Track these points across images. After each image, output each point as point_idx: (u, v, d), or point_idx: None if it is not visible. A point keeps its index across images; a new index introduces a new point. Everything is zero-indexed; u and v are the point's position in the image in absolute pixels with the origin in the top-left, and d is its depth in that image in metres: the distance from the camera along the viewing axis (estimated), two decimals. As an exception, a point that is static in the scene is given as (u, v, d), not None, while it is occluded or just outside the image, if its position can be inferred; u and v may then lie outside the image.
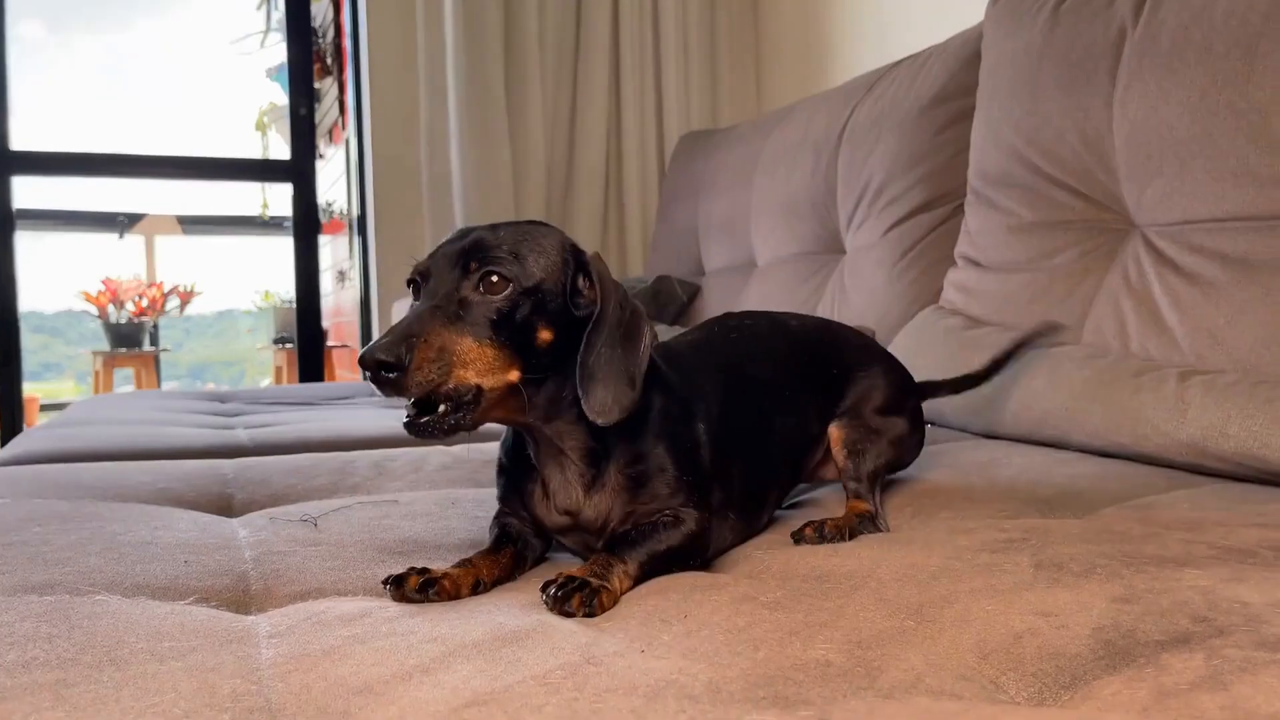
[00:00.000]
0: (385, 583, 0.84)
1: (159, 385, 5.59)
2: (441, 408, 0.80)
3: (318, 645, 0.69)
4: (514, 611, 0.79)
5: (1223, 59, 1.40)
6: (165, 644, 0.68)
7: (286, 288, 5.63)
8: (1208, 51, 1.42)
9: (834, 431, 1.11)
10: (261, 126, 5.50)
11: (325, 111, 5.07)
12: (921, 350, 1.72)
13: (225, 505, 1.23)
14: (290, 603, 0.85)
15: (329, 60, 4.95)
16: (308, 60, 3.85)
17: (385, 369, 0.77)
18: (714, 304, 2.87)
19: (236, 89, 6.78)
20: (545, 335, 0.85)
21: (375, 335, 3.64)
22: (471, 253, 0.84)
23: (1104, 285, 1.56)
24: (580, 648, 0.68)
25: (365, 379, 0.78)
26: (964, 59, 2.05)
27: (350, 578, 0.90)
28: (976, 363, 1.57)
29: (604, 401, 0.85)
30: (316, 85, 4.33)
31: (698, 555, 0.93)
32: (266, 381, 6.16)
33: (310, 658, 0.67)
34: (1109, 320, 1.52)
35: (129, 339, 5.50)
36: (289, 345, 5.43)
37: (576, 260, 0.89)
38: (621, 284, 0.91)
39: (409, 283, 0.88)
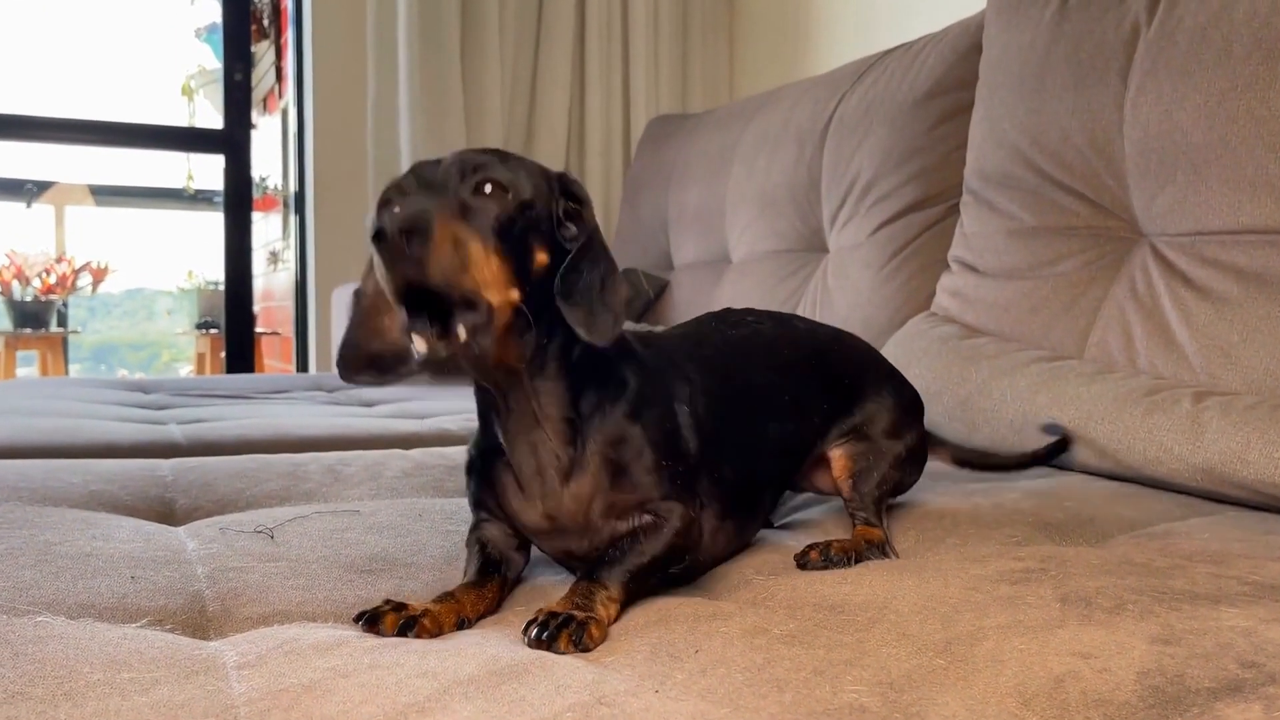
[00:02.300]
0: (358, 620, 0.81)
1: (65, 370, 5.45)
2: (461, 330, 0.77)
3: (295, 679, 0.67)
4: (504, 643, 0.77)
5: (1243, 63, 1.41)
6: (124, 675, 0.65)
7: (212, 268, 5.53)
8: (1227, 54, 1.44)
9: (839, 454, 1.11)
10: (188, 91, 5.38)
11: (260, 77, 4.97)
12: (913, 361, 1.72)
13: (166, 512, 1.19)
14: (253, 626, 0.82)
15: (266, 22, 4.86)
16: (244, 21, 3.78)
17: (412, 235, 0.72)
18: (684, 300, 2.86)
19: (160, 48, 6.63)
20: (541, 258, 0.84)
21: (312, 323, 3.61)
22: (462, 162, 0.82)
23: (1109, 296, 1.57)
24: (588, 685, 0.66)
25: (378, 249, 0.73)
26: (962, 50, 2.06)
27: (316, 599, 0.88)
28: (974, 379, 1.58)
29: (594, 321, 0.84)
30: (252, 49, 4.25)
31: (688, 553, 0.92)
32: (187, 369, 6.03)
33: (289, 693, 0.64)
34: (1115, 334, 1.53)
35: (35, 319, 5.35)
36: (213, 331, 5.32)
37: (561, 186, 0.88)
38: None
39: (380, 205, 0.80)
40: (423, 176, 0.82)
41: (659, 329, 1.18)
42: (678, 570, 0.93)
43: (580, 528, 0.91)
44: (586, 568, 0.89)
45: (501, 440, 0.91)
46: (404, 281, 0.74)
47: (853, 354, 1.20)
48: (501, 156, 0.85)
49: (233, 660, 0.71)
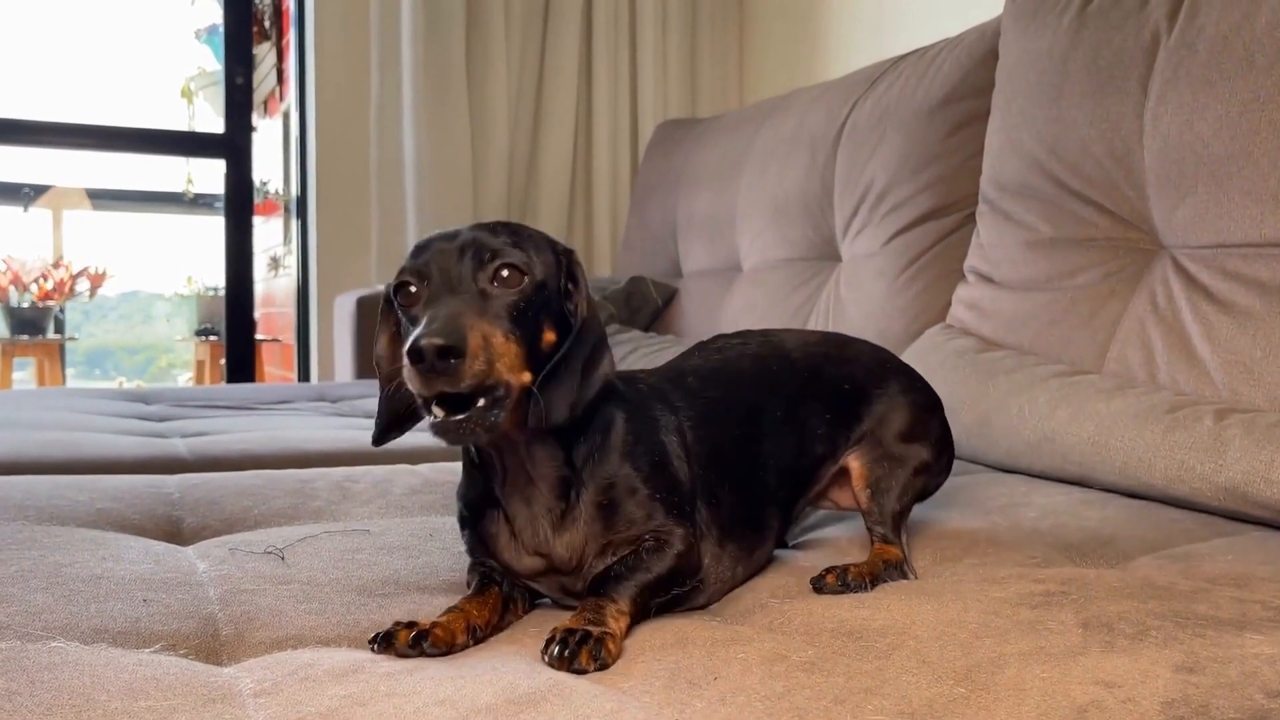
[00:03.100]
0: (372, 642, 0.83)
1: (64, 377, 5.47)
2: (481, 401, 0.81)
3: (312, 707, 0.68)
4: (519, 668, 0.78)
5: (1265, 73, 1.42)
6: (141, 703, 0.67)
7: (211, 273, 5.55)
8: (1249, 64, 1.45)
9: (854, 464, 1.11)
10: (188, 94, 5.41)
11: (261, 80, 5.00)
12: (929, 374, 1.71)
13: (174, 530, 1.21)
14: (267, 651, 0.83)
15: (267, 23, 4.88)
16: (246, 23, 3.79)
17: (446, 354, 0.77)
18: (692, 309, 2.87)
19: (159, 50, 6.66)
20: (550, 336, 0.88)
21: (314, 330, 3.62)
22: (478, 246, 0.85)
23: (1129, 310, 1.58)
24: (607, 714, 0.67)
25: (415, 368, 0.78)
26: (978, 56, 2.07)
27: (330, 623, 0.89)
28: (992, 394, 1.58)
29: (554, 401, 0.86)
30: (253, 50, 4.27)
31: (691, 575, 0.94)
32: (185, 376, 6.05)
33: (307, 722, 0.65)
34: (1135, 348, 1.54)
35: (31, 325, 5.38)
36: (213, 338, 5.35)
37: (568, 261, 0.92)
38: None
39: (397, 287, 0.87)
40: (444, 270, 0.85)
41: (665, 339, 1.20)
42: (684, 591, 0.94)
43: (574, 569, 0.93)
44: (592, 583, 0.91)
45: (497, 493, 0.94)
46: (438, 392, 0.79)
47: (851, 356, 1.18)
48: (514, 235, 0.88)
49: (249, 688, 0.72)
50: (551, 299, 0.88)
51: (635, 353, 2.54)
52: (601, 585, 0.89)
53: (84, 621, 0.84)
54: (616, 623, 0.84)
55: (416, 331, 0.78)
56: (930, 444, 1.14)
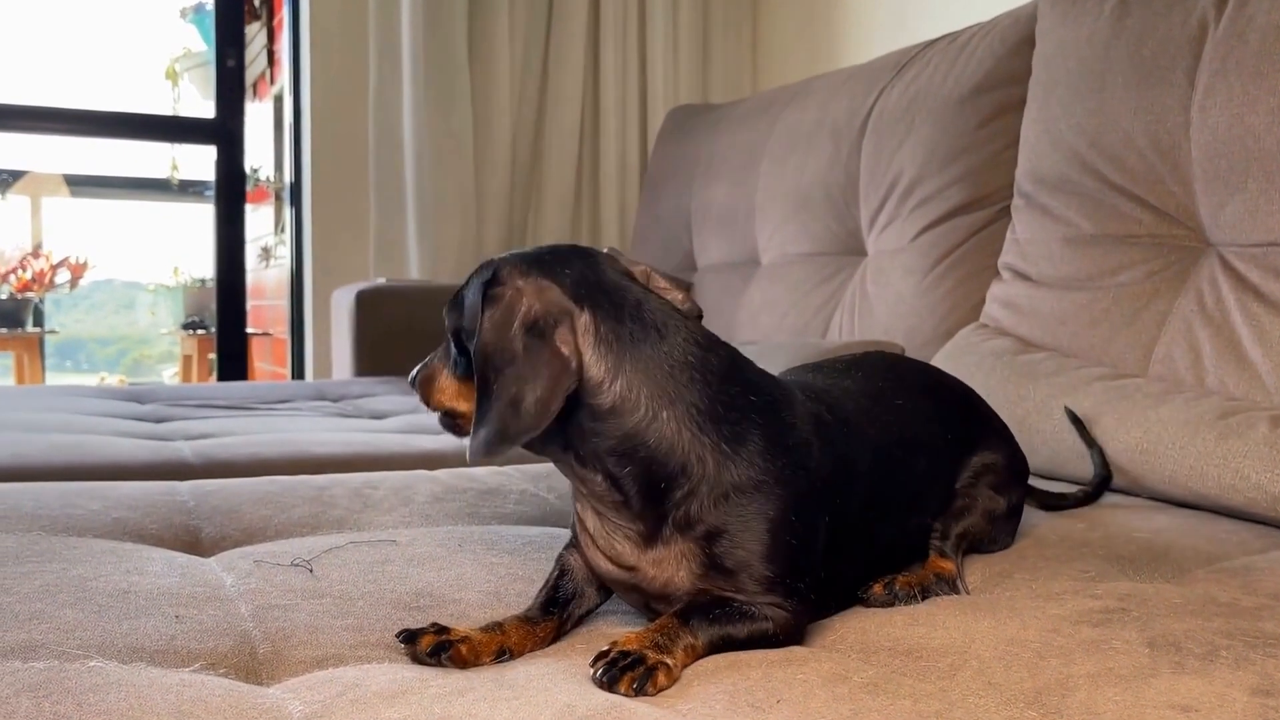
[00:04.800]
0: (399, 635, 0.87)
1: (43, 372, 5.47)
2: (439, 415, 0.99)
3: (368, 731, 0.69)
4: (574, 687, 0.79)
5: (1320, 65, 1.43)
6: (193, 728, 0.68)
7: (198, 263, 5.55)
8: (1303, 56, 1.46)
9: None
10: (173, 75, 5.40)
11: (250, 61, 4.99)
12: (964, 376, 1.73)
13: (193, 541, 1.21)
14: (307, 670, 0.84)
15: (257, 2, 4.88)
16: (237, 2, 3.79)
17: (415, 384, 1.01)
18: (708, 304, 2.88)
19: (142, 30, 6.64)
20: None
21: (309, 325, 3.62)
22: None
23: (1175, 310, 1.59)
24: (673, 740, 0.68)
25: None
26: (1012, 43, 2.08)
27: (370, 640, 0.90)
28: (1032, 398, 1.59)
29: (474, 440, 0.87)
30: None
31: (772, 647, 0.90)
32: (171, 372, 6.05)
33: (366, 748, 0.66)
34: (1181, 350, 1.55)
35: (10, 318, 5.37)
36: (200, 331, 5.35)
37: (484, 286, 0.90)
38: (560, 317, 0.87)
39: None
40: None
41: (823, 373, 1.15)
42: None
43: (660, 596, 0.91)
44: (682, 609, 0.88)
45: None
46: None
47: (977, 412, 1.22)
48: (464, 282, 0.95)
49: (298, 711, 0.73)
50: (469, 337, 0.92)
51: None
52: (689, 614, 0.86)
53: (118, 639, 0.85)
54: (683, 656, 0.83)
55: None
56: (1010, 503, 1.18)
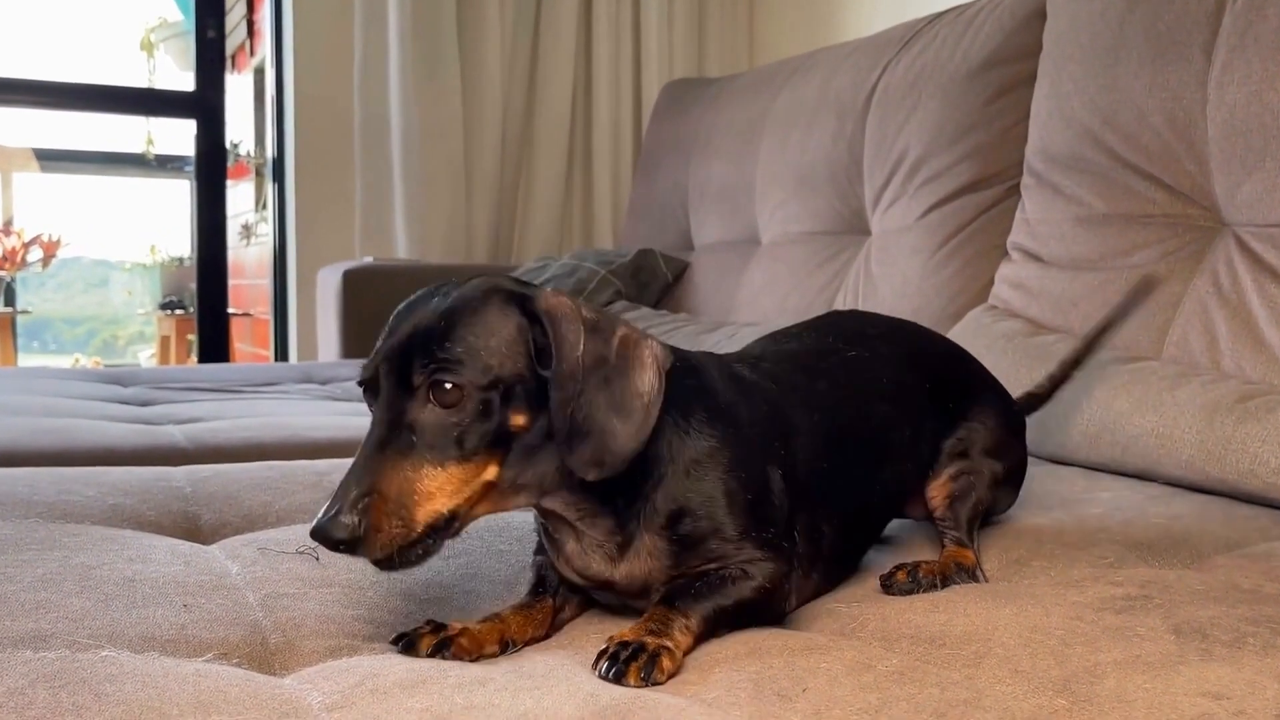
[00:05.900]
0: (395, 642, 0.87)
1: (16, 353, 5.45)
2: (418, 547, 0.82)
3: (393, 723, 0.70)
4: (593, 678, 0.80)
5: (1341, 42, 1.45)
6: (215, 719, 0.68)
7: (176, 241, 5.52)
8: (1323, 32, 1.47)
9: (939, 475, 1.15)
10: (148, 46, 5.37)
11: (229, 31, 4.96)
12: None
13: (192, 528, 1.22)
14: (321, 660, 0.85)
15: (236, -30, 4.85)
16: (217, -29, 3.77)
17: (343, 546, 0.79)
18: (706, 284, 2.89)
19: (113, -2, 6.59)
20: (520, 420, 0.84)
21: (292, 303, 3.62)
22: (414, 354, 0.82)
23: (1190, 291, 1.61)
24: (702, 730, 0.69)
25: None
26: (1022, 17, 2.09)
27: (382, 631, 0.91)
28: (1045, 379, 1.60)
29: (583, 455, 0.84)
30: (223, 1, 4.23)
31: (773, 612, 0.94)
32: (148, 353, 6.04)
33: (392, 739, 0.67)
34: (1197, 332, 1.56)
35: (-20, 298, 5.36)
36: (178, 312, 5.33)
37: (531, 318, 0.85)
38: (600, 312, 0.88)
39: (360, 384, 0.87)
40: (383, 388, 0.83)
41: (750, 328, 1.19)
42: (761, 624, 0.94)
43: (639, 591, 0.94)
44: (665, 594, 0.91)
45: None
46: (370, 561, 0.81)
47: (965, 367, 1.24)
48: (464, 322, 0.83)
49: (318, 701, 0.74)
50: (513, 386, 0.83)
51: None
52: (674, 597, 0.89)
53: (129, 628, 0.85)
54: (682, 638, 0.85)
55: (323, 508, 0.79)
56: (1009, 465, 1.20)
